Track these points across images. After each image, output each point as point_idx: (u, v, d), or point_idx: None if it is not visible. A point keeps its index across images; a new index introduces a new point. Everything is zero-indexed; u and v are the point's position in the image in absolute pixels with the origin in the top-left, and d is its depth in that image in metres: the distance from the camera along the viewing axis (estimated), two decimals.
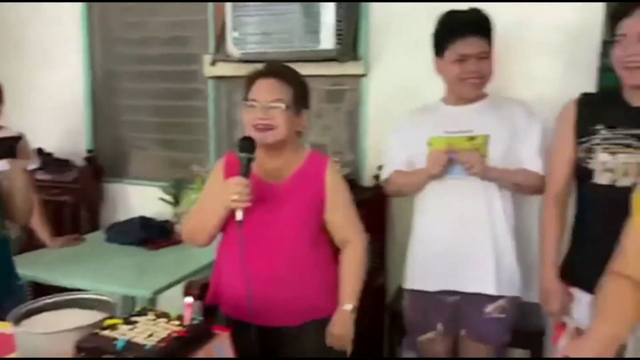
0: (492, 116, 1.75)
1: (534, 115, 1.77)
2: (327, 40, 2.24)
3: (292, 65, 2.36)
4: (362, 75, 2.45)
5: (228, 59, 2.44)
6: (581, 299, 1.59)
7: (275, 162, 1.57)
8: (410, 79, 2.36)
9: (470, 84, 1.73)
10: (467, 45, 1.69)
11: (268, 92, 1.51)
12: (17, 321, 1.24)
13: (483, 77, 1.74)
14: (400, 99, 2.33)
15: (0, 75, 3.16)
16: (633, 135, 1.47)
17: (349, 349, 1.60)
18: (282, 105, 1.50)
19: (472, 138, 1.71)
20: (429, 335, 1.88)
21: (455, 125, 1.75)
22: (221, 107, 2.79)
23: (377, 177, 2.42)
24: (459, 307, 1.82)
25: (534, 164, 1.73)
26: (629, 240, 1.20)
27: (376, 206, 2.39)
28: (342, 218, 1.60)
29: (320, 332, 1.57)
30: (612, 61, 1.51)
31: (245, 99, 1.54)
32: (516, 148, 1.74)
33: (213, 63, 2.53)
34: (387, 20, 2.40)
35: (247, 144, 1.47)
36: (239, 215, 1.45)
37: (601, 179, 1.51)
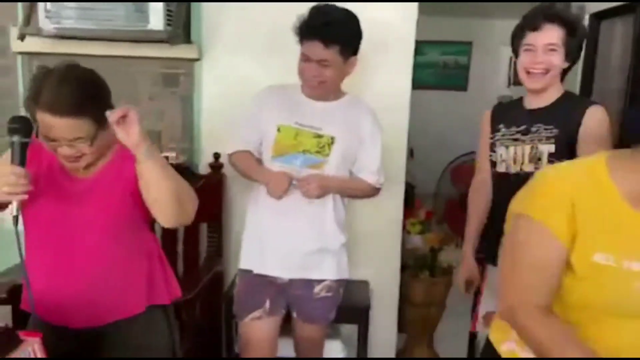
0: (342, 119, 1.82)
1: (378, 127, 1.88)
2: (157, 20, 2.11)
3: (116, 45, 2.23)
4: (196, 60, 2.37)
5: (40, 33, 2.16)
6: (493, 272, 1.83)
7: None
8: (246, 65, 2.36)
9: (310, 86, 1.78)
10: (311, 49, 1.71)
11: (66, 131, 1.29)
12: None
13: (323, 83, 1.76)
14: (236, 85, 2.32)
15: None
16: (520, 132, 1.76)
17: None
18: (86, 143, 1.32)
19: (319, 136, 1.79)
20: (255, 313, 1.91)
21: (306, 118, 1.80)
22: None
23: (212, 164, 2.39)
24: (288, 288, 1.89)
25: (370, 177, 1.88)
26: None
27: (212, 194, 2.35)
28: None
29: (130, 331, 1.48)
30: (517, 66, 1.76)
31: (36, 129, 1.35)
32: (357, 155, 1.86)
33: (21, 37, 2.23)
34: (222, 3, 2.35)
35: (20, 126, 1.25)
36: (13, 210, 1.26)
37: (500, 167, 1.82)
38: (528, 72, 1.71)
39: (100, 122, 1.31)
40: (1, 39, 2.41)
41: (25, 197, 1.26)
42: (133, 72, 2.46)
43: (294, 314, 1.95)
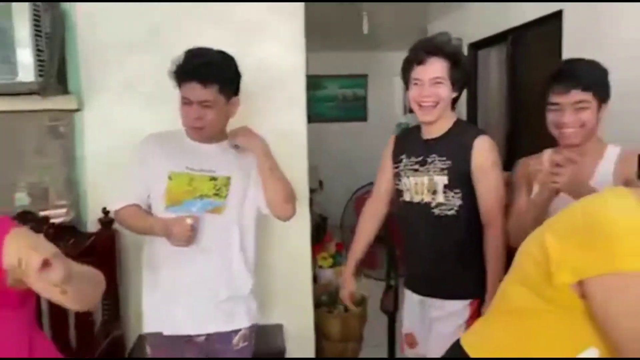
0: (233, 157, 1.76)
1: (266, 154, 1.80)
2: (26, 71, 1.95)
3: None
4: (76, 110, 2.22)
5: None
6: (411, 298, 1.91)
7: None
8: (130, 113, 2.24)
9: (192, 129, 1.72)
10: (190, 91, 1.65)
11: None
12: None
13: (206, 125, 1.70)
14: (122, 134, 2.19)
15: None
16: (418, 162, 1.80)
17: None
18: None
19: (214, 178, 1.72)
20: None
21: (198, 162, 1.72)
22: None
23: (101, 220, 2.22)
24: (206, 345, 1.78)
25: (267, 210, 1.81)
26: None
27: (104, 252, 2.18)
28: None
29: None
30: (409, 99, 1.81)
31: None
32: (252, 191, 1.78)
33: None
34: (100, 51, 2.23)
35: None
36: None
37: (406, 196, 1.85)
38: (419, 105, 1.76)
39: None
40: None
41: None
42: (14, 126, 2.26)
43: None
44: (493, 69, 3.89)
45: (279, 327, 2.41)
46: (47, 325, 2.06)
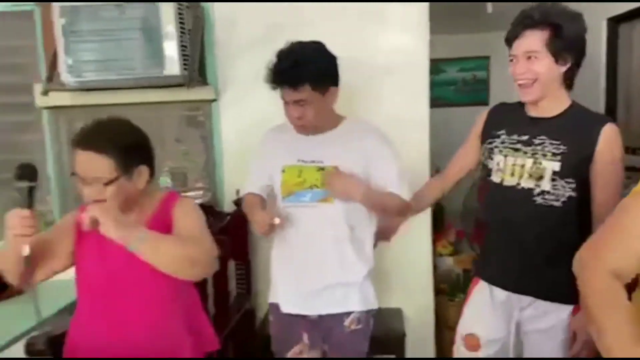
0: (342, 146, 1.78)
1: (386, 143, 1.81)
2: (172, 65, 2.17)
3: (137, 93, 2.29)
4: (212, 100, 2.42)
5: (62, 87, 2.24)
6: (489, 293, 1.74)
7: (129, 216, 1.46)
8: (260, 103, 2.38)
9: (294, 126, 1.78)
10: (285, 93, 1.71)
11: (86, 167, 1.37)
12: None
13: (306, 122, 1.74)
14: (253, 122, 2.34)
15: None
16: (520, 141, 1.64)
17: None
18: (101, 183, 1.37)
19: (322, 168, 1.77)
20: (296, 348, 1.88)
21: (308, 153, 1.78)
22: (61, 139, 2.56)
23: (236, 202, 2.40)
24: (320, 323, 1.85)
25: (395, 188, 1.76)
26: None
27: (238, 231, 2.36)
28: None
29: None
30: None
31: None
32: (368, 177, 1.78)
33: (45, 92, 2.31)
34: (234, 45, 2.40)
35: (26, 171, 1.33)
36: (24, 250, 1.30)
37: (495, 177, 1.70)
38: (518, 84, 1.62)
39: (122, 169, 1.38)
40: (27, 97, 2.51)
41: (29, 239, 1.30)
42: (159, 116, 2.53)
43: (326, 348, 1.90)
44: (636, 45, 3.51)
45: (398, 312, 2.44)
46: None
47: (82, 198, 1.43)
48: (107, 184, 1.36)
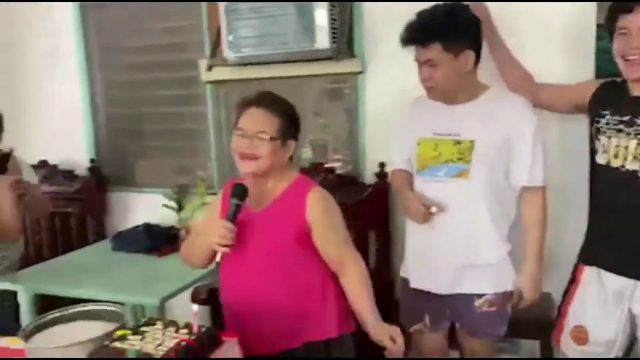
0: (481, 119, 1.70)
1: (529, 117, 1.71)
2: (322, 39, 2.23)
3: (288, 66, 2.41)
4: (359, 73, 2.45)
5: (224, 63, 2.44)
6: (598, 281, 1.67)
7: (260, 188, 1.56)
8: (406, 75, 2.35)
9: (425, 89, 1.74)
10: (416, 52, 1.68)
11: (255, 122, 1.50)
12: (28, 336, 1.26)
13: (434, 84, 1.69)
14: (397, 95, 2.33)
15: (6, 90, 3.20)
16: (622, 122, 1.59)
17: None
18: (267, 137, 1.48)
19: (458, 142, 1.72)
20: (417, 326, 1.90)
21: (444, 126, 1.74)
22: (220, 111, 2.79)
23: (377, 174, 2.44)
24: (449, 301, 1.82)
25: (521, 177, 1.71)
26: None
27: (378, 203, 2.40)
28: (332, 245, 1.54)
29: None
30: (613, 53, 1.60)
31: (235, 126, 1.54)
32: (506, 154, 1.71)
33: (209, 68, 2.53)
34: (381, 17, 2.39)
35: (239, 190, 1.49)
36: (217, 257, 1.47)
37: (600, 159, 1.64)
38: (625, 60, 1.53)
39: (282, 134, 1.50)
40: (193, 72, 2.78)
41: (229, 250, 1.44)
42: (302, 89, 2.64)
43: (457, 325, 1.88)
44: None
45: (547, 296, 2.30)
46: None
47: (237, 165, 1.55)
48: (272, 139, 1.48)
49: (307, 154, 2.81)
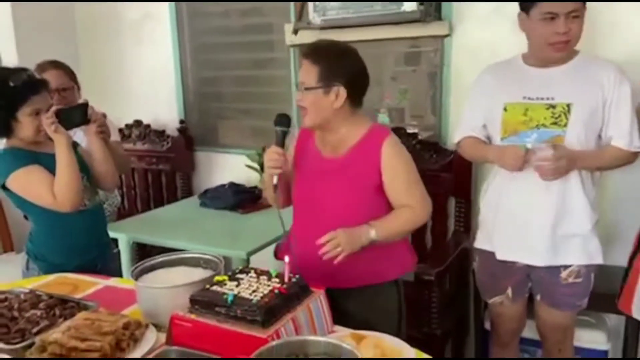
0: (577, 81, 1.64)
1: (625, 81, 1.64)
2: (410, 1, 2.20)
3: (374, 29, 2.39)
4: (446, 36, 2.39)
5: (309, 26, 2.46)
6: None
7: (332, 137, 1.60)
8: (493, 39, 2.28)
9: (556, 47, 1.63)
10: (558, 3, 1.56)
11: (301, 74, 1.56)
12: (137, 277, 1.39)
13: (571, 40, 1.61)
14: (483, 59, 2.24)
15: (103, 55, 3.42)
16: None
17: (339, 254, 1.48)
18: (306, 87, 1.53)
19: (552, 106, 1.65)
20: (498, 298, 1.89)
21: (535, 90, 1.67)
22: None
23: None
24: (531, 272, 1.80)
25: (619, 141, 1.65)
26: None
27: (461, 169, 2.36)
28: (401, 192, 1.56)
29: (373, 297, 1.59)
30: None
31: None
32: (602, 117, 1.65)
33: (295, 32, 2.57)
34: None
35: (282, 119, 1.58)
36: (274, 180, 1.57)
37: None
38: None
39: (323, 82, 1.51)
40: (274, 35, 2.83)
41: (280, 171, 1.55)
42: (382, 52, 2.62)
43: (538, 297, 1.85)
44: None
45: (621, 270, 2.20)
46: None
47: None
48: (307, 88, 1.52)
49: (384, 119, 2.80)
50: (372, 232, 1.49)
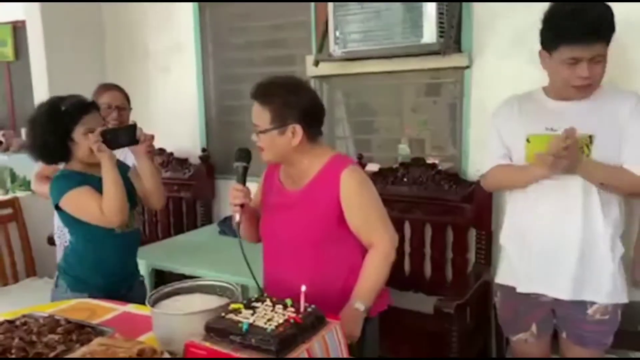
0: (598, 115, 1.63)
1: None
2: (430, 33, 2.22)
3: (394, 61, 2.42)
4: (466, 68, 2.40)
5: (330, 58, 2.50)
6: None
7: (294, 170, 1.61)
8: (513, 70, 2.28)
9: (578, 89, 1.63)
10: (581, 49, 1.56)
11: (253, 116, 1.58)
12: (153, 304, 1.39)
13: (593, 83, 1.62)
14: (503, 90, 2.24)
15: (129, 82, 3.53)
16: None
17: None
18: (257, 131, 1.56)
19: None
20: (522, 335, 1.84)
21: (558, 122, 1.65)
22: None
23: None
24: (557, 307, 1.75)
25: (633, 166, 1.61)
26: None
27: (481, 201, 2.34)
28: (361, 222, 1.55)
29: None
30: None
31: None
32: (621, 147, 1.63)
33: (316, 63, 2.61)
34: (490, 12, 2.33)
35: (242, 154, 1.61)
36: (236, 217, 1.57)
37: None
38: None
39: (276, 123, 1.52)
40: (296, 67, 2.88)
41: (238, 209, 1.55)
42: (401, 84, 2.64)
43: (563, 335, 1.79)
44: None
45: None
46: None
47: None
48: (262, 132, 1.53)
49: (404, 150, 2.81)
50: (361, 305, 1.51)
